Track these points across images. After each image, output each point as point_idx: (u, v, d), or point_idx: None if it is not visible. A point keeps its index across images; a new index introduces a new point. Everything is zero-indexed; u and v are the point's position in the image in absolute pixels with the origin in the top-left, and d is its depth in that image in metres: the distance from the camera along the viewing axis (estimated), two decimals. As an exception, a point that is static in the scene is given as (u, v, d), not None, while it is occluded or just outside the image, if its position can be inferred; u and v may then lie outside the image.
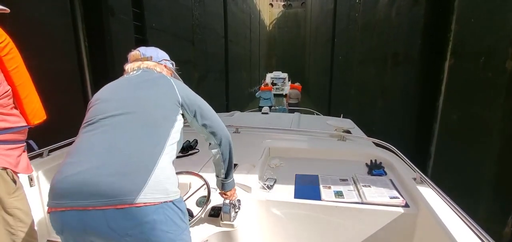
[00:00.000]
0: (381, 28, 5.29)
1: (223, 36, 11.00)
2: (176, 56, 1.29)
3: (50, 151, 1.61)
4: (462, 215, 1.08)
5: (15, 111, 1.11)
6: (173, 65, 1.21)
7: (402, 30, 4.37)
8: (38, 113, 1.18)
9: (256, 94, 8.06)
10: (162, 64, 1.14)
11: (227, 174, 1.12)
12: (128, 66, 1.10)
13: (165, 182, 0.80)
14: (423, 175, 1.42)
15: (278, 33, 29.70)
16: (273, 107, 7.67)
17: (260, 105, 7.74)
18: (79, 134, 0.89)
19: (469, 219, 1.04)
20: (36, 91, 1.18)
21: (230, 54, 12.03)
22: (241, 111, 4.02)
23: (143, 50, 1.13)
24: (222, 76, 10.99)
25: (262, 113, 3.75)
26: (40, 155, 1.54)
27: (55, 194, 0.76)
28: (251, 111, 5.21)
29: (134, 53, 1.12)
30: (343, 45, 8.99)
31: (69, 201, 0.74)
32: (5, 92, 1.05)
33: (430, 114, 3.79)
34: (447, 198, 1.20)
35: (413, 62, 4.02)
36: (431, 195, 1.29)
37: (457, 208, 1.12)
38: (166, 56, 1.19)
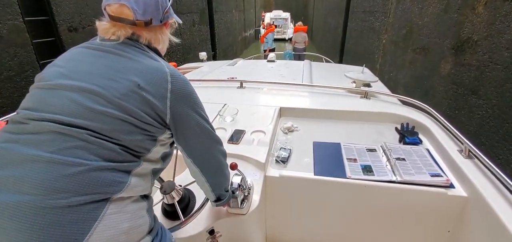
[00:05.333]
0: None
1: (202, -40, 8.00)
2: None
3: None
4: None
5: None
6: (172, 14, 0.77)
7: None
8: None
9: (265, 44, 7.10)
10: (163, 22, 0.72)
11: (219, 198, 0.87)
12: (102, 26, 0.65)
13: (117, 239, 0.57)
14: (473, 147, 1.13)
15: (279, -38, 25.10)
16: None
17: (264, 49, 6.83)
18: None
19: None
20: None
21: (215, -13, 9.11)
22: (243, 59, 3.77)
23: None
24: (204, 19, 8.31)
25: (268, 61, 3.44)
26: None
27: None
28: (252, 57, 4.52)
29: (117, 6, 0.64)
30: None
31: None
32: None
33: None
34: (509, 180, 0.93)
35: None
36: (484, 175, 1.04)
37: None
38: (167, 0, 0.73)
